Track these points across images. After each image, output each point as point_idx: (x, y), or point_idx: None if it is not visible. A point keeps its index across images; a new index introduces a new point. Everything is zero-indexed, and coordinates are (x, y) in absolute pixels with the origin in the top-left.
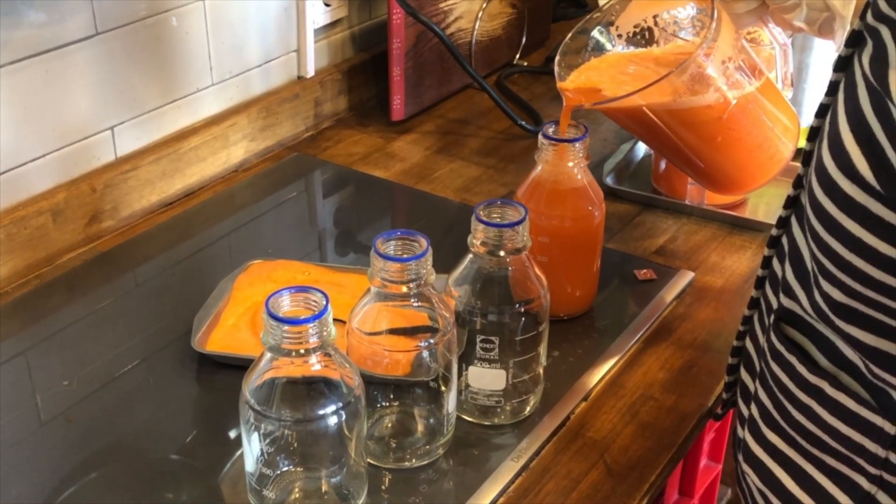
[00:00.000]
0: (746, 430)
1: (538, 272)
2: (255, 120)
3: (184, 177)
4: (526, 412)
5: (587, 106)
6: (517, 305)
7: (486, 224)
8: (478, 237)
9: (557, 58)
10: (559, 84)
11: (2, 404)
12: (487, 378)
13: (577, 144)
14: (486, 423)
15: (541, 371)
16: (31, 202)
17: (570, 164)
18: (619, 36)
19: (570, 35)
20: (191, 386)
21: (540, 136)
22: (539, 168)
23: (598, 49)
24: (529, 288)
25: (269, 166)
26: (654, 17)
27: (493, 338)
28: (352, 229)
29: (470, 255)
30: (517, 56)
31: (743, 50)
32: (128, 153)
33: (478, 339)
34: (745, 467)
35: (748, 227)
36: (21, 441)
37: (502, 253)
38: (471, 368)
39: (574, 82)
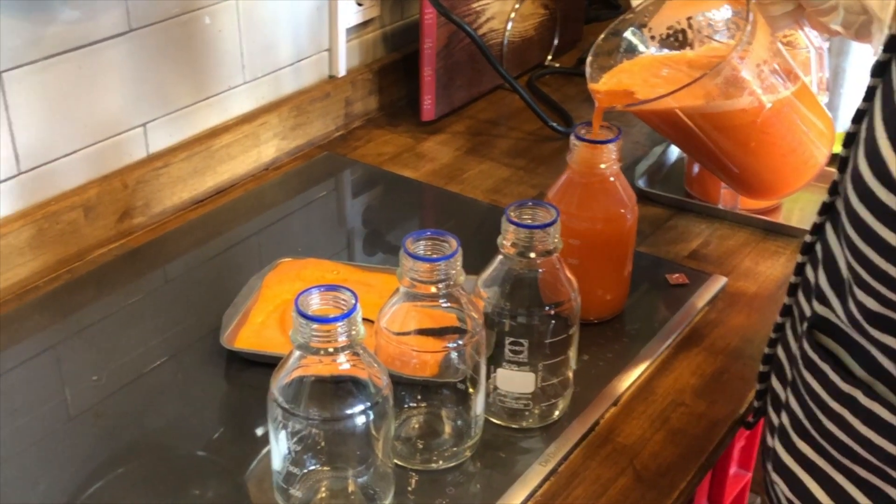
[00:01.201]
0: (776, 439)
1: (569, 274)
2: (285, 119)
3: (215, 174)
4: (555, 416)
5: (619, 108)
6: (547, 308)
7: (517, 225)
8: (508, 238)
9: (589, 58)
10: (591, 85)
11: (31, 398)
12: (516, 381)
13: (611, 146)
14: (514, 426)
15: (570, 375)
16: (62, 197)
17: (603, 165)
18: (653, 38)
19: (602, 36)
20: (219, 383)
21: (572, 137)
22: (571, 169)
23: (631, 51)
24: (560, 290)
25: (300, 165)
26: (688, 19)
27: (522, 340)
28: (380, 229)
29: (500, 257)
30: (549, 57)
31: (778, 53)
32: (159, 150)
33: (506, 342)
34: (775, 477)
35: (782, 232)
36: (49, 435)
37: (533, 254)
38: (499, 371)
39: (606, 84)
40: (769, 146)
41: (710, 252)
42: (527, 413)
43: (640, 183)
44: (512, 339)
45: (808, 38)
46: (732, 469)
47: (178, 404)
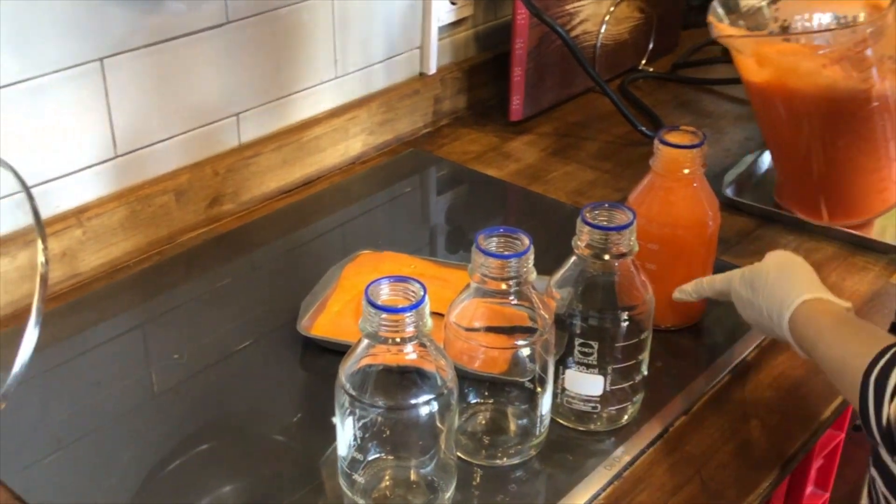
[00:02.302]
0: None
1: (644, 279)
2: (374, 114)
3: (303, 166)
4: (623, 420)
5: (737, 36)
6: (620, 311)
7: (592, 226)
8: (582, 239)
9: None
10: (711, 18)
11: (118, 373)
12: (585, 383)
13: (695, 151)
14: (581, 428)
15: (640, 380)
16: (156, 181)
17: (686, 170)
18: (776, 19)
19: None
20: (295, 369)
21: (656, 141)
22: (653, 173)
23: (750, 15)
24: (634, 294)
25: (386, 160)
26: (813, 16)
27: (592, 342)
28: (463, 226)
29: (574, 258)
30: (643, 61)
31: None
32: (251, 140)
33: (576, 343)
34: (874, 472)
35: (872, 248)
36: (133, 410)
37: (607, 256)
38: (568, 372)
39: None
40: (863, 144)
41: None
42: (594, 416)
43: (728, 191)
44: (581, 341)
45: None
46: (809, 489)
47: (256, 387)
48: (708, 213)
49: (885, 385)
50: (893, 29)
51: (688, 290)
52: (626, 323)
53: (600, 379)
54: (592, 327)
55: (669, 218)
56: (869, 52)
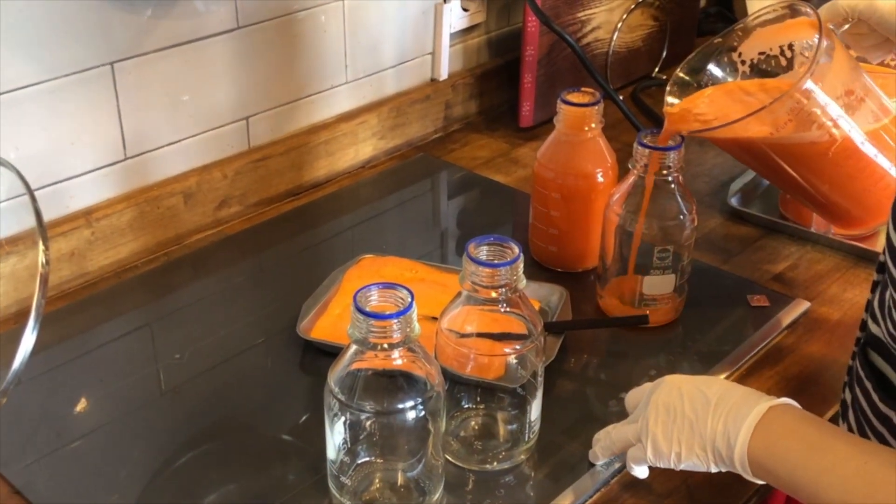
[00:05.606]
0: None
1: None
2: (385, 119)
3: (312, 170)
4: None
5: (685, 133)
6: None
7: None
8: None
9: (671, 82)
10: (665, 108)
11: (124, 371)
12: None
13: (592, 109)
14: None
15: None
16: (165, 183)
17: (585, 127)
18: (743, 62)
19: (688, 59)
20: (295, 370)
21: (558, 101)
22: (557, 131)
23: (714, 78)
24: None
25: (396, 165)
26: (780, 46)
27: None
28: (471, 232)
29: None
30: (656, 69)
31: (864, 86)
32: (260, 144)
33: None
34: None
35: (874, 259)
36: (139, 407)
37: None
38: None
39: (681, 107)
40: (845, 178)
41: (797, 276)
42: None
43: (733, 201)
44: None
45: None
46: None
47: (258, 388)
48: (605, 164)
49: None
50: (839, 65)
51: (596, 452)
52: None
53: None
54: None
55: (569, 169)
56: (811, 106)
